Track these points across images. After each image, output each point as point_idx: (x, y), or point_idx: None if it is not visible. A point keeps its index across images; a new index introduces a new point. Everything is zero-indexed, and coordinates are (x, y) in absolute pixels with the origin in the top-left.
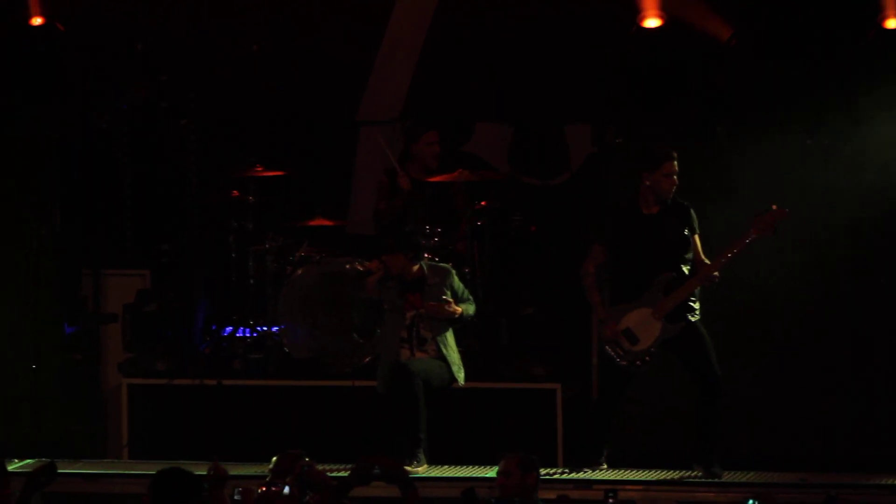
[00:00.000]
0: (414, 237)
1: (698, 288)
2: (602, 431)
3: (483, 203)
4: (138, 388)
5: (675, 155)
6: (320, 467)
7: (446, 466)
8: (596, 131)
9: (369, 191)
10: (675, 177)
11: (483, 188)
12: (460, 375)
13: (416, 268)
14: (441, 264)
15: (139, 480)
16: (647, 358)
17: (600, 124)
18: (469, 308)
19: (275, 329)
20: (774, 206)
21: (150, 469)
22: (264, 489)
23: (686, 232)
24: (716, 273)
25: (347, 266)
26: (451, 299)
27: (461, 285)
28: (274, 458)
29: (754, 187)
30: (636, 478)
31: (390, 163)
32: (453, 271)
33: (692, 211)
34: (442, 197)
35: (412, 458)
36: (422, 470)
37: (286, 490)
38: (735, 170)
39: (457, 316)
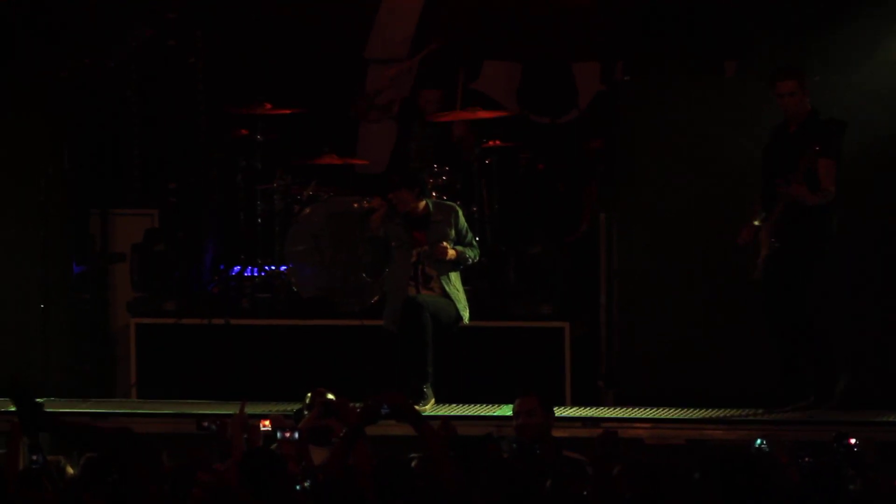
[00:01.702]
0: (419, 174)
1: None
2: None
3: (491, 142)
4: (146, 327)
5: (787, 76)
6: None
7: (454, 405)
8: (605, 69)
9: (377, 129)
10: (787, 97)
11: (491, 126)
12: (465, 314)
13: (421, 205)
14: (447, 202)
15: (147, 419)
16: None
17: (609, 61)
18: (469, 252)
19: (283, 268)
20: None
21: (158, 408)
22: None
23: (817, 150)
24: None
25: (355, 205)
26: (448, 244)
27: (466, 225)
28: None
29: (764, 124)
30: (645, 416)
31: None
32: (459, 210)
33: (832, 130)
34: (442, 134)
35: (419, 396)
36: (428, 407)
37: (296, 435)
38: (743, 107)
39: (453, 258)
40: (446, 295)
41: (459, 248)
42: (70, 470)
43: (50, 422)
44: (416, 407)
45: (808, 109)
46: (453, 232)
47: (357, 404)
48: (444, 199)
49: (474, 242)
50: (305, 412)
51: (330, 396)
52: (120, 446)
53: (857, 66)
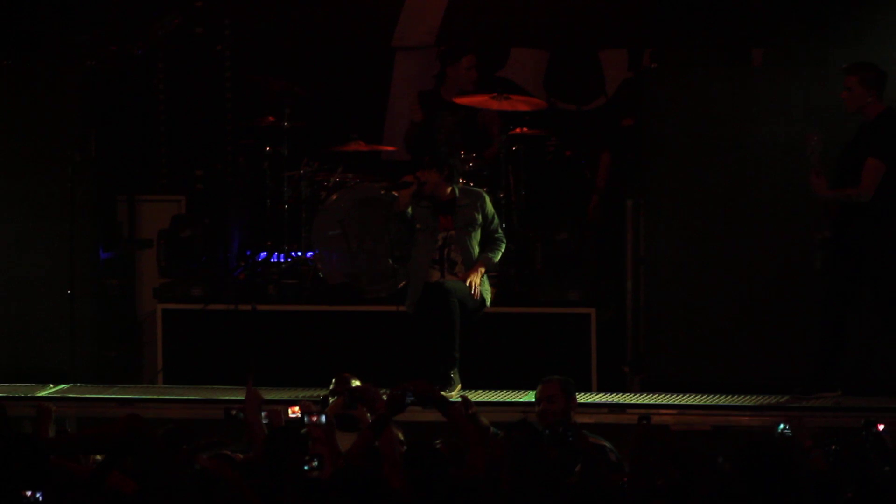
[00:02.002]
0: (449, 158)
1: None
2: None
3: (518, 129)
4: (173, 313)
5: (847, 71)
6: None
7: (480, 391)
8: (632, 56)
9: (404, 116)
10: (844, 92)
11: (518, 113)
12: (487, 298)
13: (448, 189)
14: (474, 188)
15: (173, 405)
16: None
17: (636, 49)
18: (497, 254)
19: (309, 254)
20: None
21: (184, 394)
22: (296, 410)
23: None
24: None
25: (382, 191)
26: (475, 276)
27: (493, 211)
28: (333, 380)
29: (788, 112)
30: (670, 402)
31: (427, 86)
32: (486, 196)
33: (887, 130)
34: (475, 121)
35: (446, 381)
36: (455, 393)
37: (322, 419)
38: (770, 94)
39: (484, 271)
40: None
41: (489, 258)
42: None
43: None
44: (444, 393)
45: (877, 107)
46: (480, 217)
47: (384, 390)
48: (471, 186)
49: (500, 231)
50: (331, 398)
51: (355, 382)
52: (131, 442)
53: (889, 56)
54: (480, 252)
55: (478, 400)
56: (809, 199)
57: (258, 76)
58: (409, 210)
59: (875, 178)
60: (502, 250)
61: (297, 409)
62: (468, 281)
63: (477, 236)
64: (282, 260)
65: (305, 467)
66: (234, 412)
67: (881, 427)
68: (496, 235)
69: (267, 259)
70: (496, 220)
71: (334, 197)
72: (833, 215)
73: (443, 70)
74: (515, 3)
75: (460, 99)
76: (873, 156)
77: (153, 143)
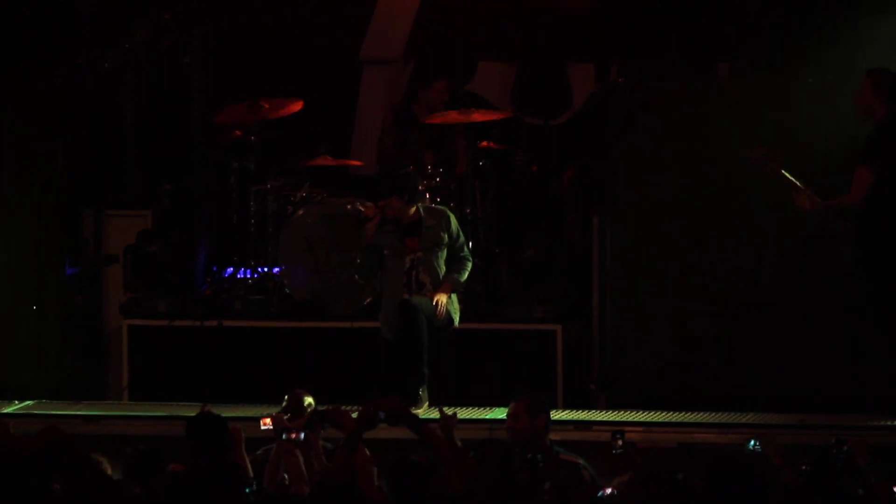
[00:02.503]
0: (409, 179)
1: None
2: None
3: (484, 143)
4: (139, 329)
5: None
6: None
7: (446, 407)
8: (599, 70)
9: (372, 130)
10: (856, 92)
11: (485, 128)
12: (456, 317)
13: (412, 210)
14: (438, 207)
15: (139, 422)
16: None
17: (604, 63)
18: (463, 274)
19: (276, 270)
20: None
21: (149, 411)
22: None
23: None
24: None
25: (349, 207)
26: (442, 296)
27: (458, 228)
28: (286, 398)
29: (755, 126)
30: (636, 419)
31: (394, 101)
32: (451, 214)
33: (877, 137)
34: (443, 137)
35: (414, 399)
36: (422, 410)
37: (301, 436)
38: (737, 109)
39: (452, 291)
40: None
41: (455, 279)
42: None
43: None
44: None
45: (881, 113)
46: (446, 236)
47: (353, 408)
48: (436, 203)
49: (466, 249)
50: (286, 416)
51: (308, 399)
52: (51, 452)
53: (852, 69)
54: (447, 272)
55: None
56: (780, 213)
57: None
58: (377, 240)
59: (862, 185)
60: (468, 269)
61: (268, 421)
62: (435, 300)
63: (444, 255)
64: (248, 275)
65: (248, 489)
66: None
67: (844, 448)
68: (461, 254)
69: (233, 275)
70: (461, 238)
71: (301, 212)
72: (846, 226)
73: (413, 90)
74: (483, 16)
75: (430, 119)
76: (862, 162)
77: (120, 157)
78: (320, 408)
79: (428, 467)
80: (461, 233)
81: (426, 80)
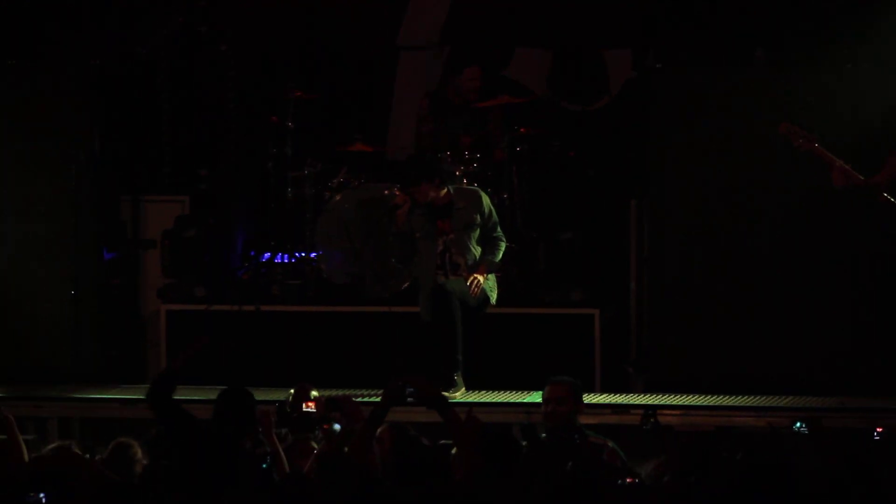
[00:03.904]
0: (435, 163)
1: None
2: None
3: (521, 129)
4: (176, 313)
5: None
6: (356, 392)
7: (483, 392)
8: (636, 56)
9: (408, 116)
10: None
11: (522, 113)
12: (493, 295)
13: (443, 193)
14: (470, 188)
15: None
16: None
17: (640, 49)
18: (497, 255)
19: (313, 255)
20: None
21: (187, 395)
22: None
23: None
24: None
25: (386, 192)
26: (480, 277)
27: (491, 208)
28: (291, 391)
29: (791, 112)
30: (674, 402)
31: (430, 87)
32: (483, 195)
33: None
34: (480, 122)
35: (449, 384)
36: (458, 395)
37: (336, 427)
38: (773, 94)
39: (487, 273)
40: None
41: (489, 260)
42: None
43: None
44: (446, 394)
45: None
46: (479, 217)
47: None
48: (466, 186)
49: (499, 230)
50: (288, 409)
51: (314, 392)
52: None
53: (891, 54)
54: (481, 253)
55: (481, 400)
56: (815, 198)
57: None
58: (408, 226)
59: (889, 170)
60: (503, 249)
61: (312, 404)
62: (470, 280)
63: (476, 236)
64: (285, 260)
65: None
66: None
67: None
68: (495, 234)
69: (270, 259)
70: (494, 218)
71: (338, 197)
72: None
73: (446, 76)
74: (520, 2)
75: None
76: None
77: (157, 143)
78: (314, 394)
79: (436, 452)
80: (494, 213)
81: (457, 67)
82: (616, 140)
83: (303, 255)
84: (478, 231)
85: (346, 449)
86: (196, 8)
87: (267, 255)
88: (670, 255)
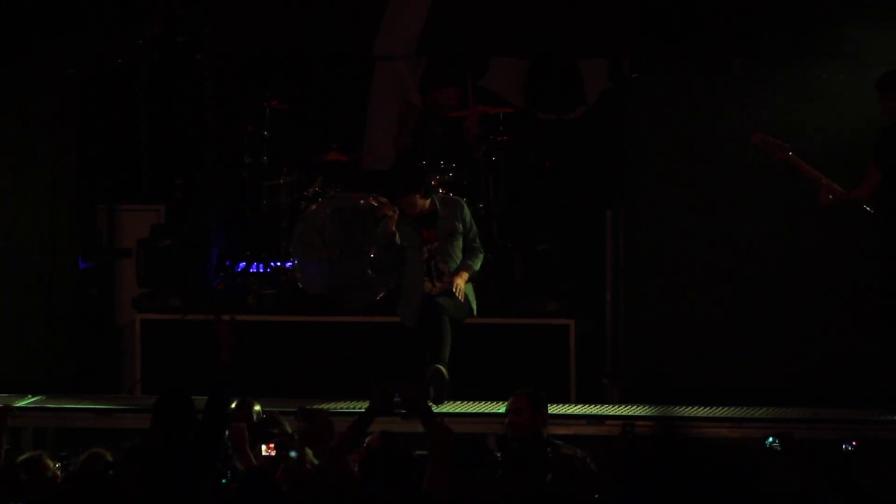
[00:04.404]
0: (422, 174)
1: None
2: None
3: (498, 138)
4: (152, 323)
5: None
6: (333, 405)
7: (459, 402)
8: (612, 65)
9: (384, 125)
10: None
11: (498, 123)
12: (474, 305)
13: (427, 203)
14: (452, 197)
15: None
16: None
17: (617, 58)
18: (476, 263)
19: (288, 264)
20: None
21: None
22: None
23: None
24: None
25: (361, 202)
26: (460, 279)
27: (471, 218)
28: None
29: (768, 121)
30: (649, 413)
31: (408, 96)
32: (464, 204)
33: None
34: (456, 131)
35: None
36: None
37: (293, 454)
38: (750, 104)
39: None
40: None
41: (470, 265)
42: (50, 464)
43: None
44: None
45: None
46: (460, 226)
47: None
48: (448, 195)
49: (478, 241)
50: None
51: (256, 407)
52: None
53: (866, 65)
54: (462, 260)
55: (457, 411)
56: (792, 210)
57: None
58: (397, 237)
59: (869, 182)
60: (481, 259)
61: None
62: (454, 285)
63: (460, 244)
64: (261, 270)
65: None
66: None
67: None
68: (474, 244)
69: (246, 269)
70: (474, 228)
71: (314, 207)
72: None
73: (426, 89)
74: (496, 12)
75: (451, 113)
76: (872, 160)
77: (133, 151)
78: (307, 407)
79: (411, 461)
80: (474, 223)
81: (437, 83)
82: (592, 150)
83: (278, 264)
84: (460, 240)
85: (314, 463)
86: (173, 17)
87: (242, 264)
88: (646, 265)
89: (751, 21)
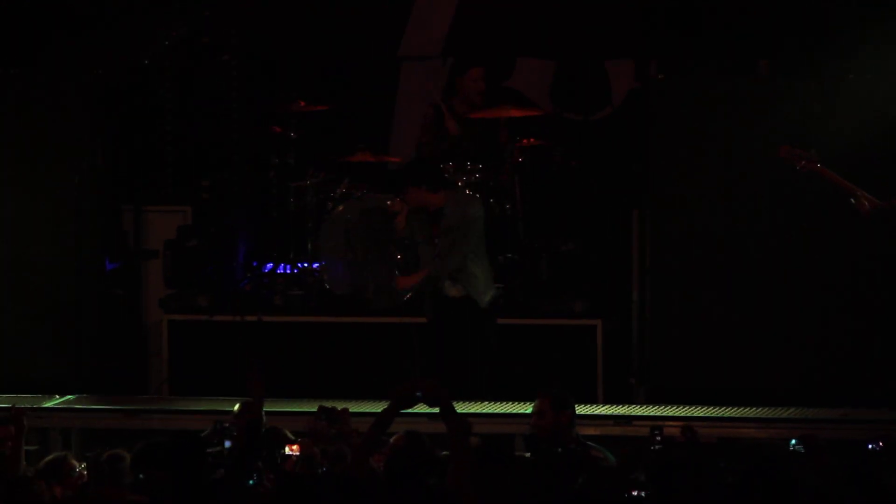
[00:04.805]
0: (424, 168)
1: None
2: None
3: (525, 140)
4: (179, 323)
5: None
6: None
7: (487, 403)
8: (639, 66)
9: (410, 127)
10: None
11: (525, 124)
12: (484, 298)
13: (440, 198)
14: (467, 194)
15: (179, 416)
16: None
17: (643, 59)
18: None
19: (315, 265)
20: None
21: (189, 405)
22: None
23: None
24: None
25: (388, 202)
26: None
27: (475, 218)
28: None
29: (793, 123)
30: (677, 413)
31: (435, 98)
32: (474, 203)
33: None
34: (486, 133)
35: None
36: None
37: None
38: (776, 105)
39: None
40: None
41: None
42: (75, 464)
43: None
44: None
45: None
46: (463, 224)
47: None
48: (466, 192)
49: (459, 243)
50: (226, 425)
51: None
52: None
53: (892, 66)
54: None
55: (485, 411)
56: (817, 209)
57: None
58: (408, 231)
59: None
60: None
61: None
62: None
63: (470, 240)
64: (287, 271)
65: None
66: (226, 425)
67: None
68: (450, 236)
69: (273, 270)
70: (475, 228)
71: (340, 208)
72: None
73: (451, 82)
74: (522, 13)
75: (472, 114)
76: None
77: (159, 152)
78: (327, 405)
79: (431, 461)
80: (478, 223)
81: (461, 68)
82: (618, 150)
83: (305, 265)
84: (464, 238)
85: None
86: (199, 18)
87: (269, 265)
88: (673, 265)
89: (775, 22)
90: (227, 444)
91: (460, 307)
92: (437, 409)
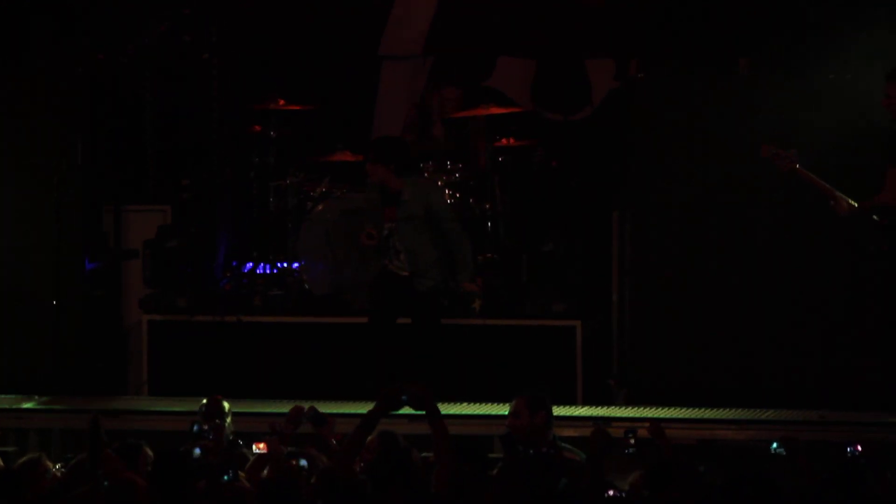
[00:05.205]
0: (396, 149)
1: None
2: None
3: (504, 139)
4: (158, 324)
5: (890, 78)
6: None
7: (465, 404)
8: (619, 65)
9: (391, 126)
10: (885, 99)
11: (504, 124)
12: (425, 283)
13: (399, 183)
14: (426, 180)
15: (158, 417)
16: None
17: (623, 58)
18: (458, 254)
19: (295, 265)
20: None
21: (169, 406)
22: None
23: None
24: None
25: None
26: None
27: (443, 204)
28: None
29: (775, 122)
30: (655, 415)
31: (415, 97)
32: (436, 189)
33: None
34: (464, 132)
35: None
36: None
37: (303, 463)
38: (757, 104)
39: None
40: (415, 267)
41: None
42: (49, 465)
43: None
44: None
45: None
46: (423, 212)
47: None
48: (454, 198)
49: (451, 224)
50: (196, 427)
51: (226, 405)
52: None
53: (872, 66)
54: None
55: (462, 413)
56: (799, 210)
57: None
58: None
59: (892, 186)
60: (464, 244)
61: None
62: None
63: (428, 230)
64: (267, 271)
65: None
66: (205, 426)
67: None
68: (444, 227)
69: (253, 270)
70: (446, 215)
71: (320, 207)
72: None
73: (430, 87)
74: (503, 12)
75: (453, 113)
76: (892, 164)
77: (140, 151)
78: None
79: (415, 463)
80: (444, 208)
81: (438, 82)
82: (599, 150)
83: (285, 265)
84: (428, 225)
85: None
86: (180, 16)
87: (249, 265)
88: (653, 266)
89: (757, 21)
90: (198, 451)
91: (404, 285)
92: (422, 412)
